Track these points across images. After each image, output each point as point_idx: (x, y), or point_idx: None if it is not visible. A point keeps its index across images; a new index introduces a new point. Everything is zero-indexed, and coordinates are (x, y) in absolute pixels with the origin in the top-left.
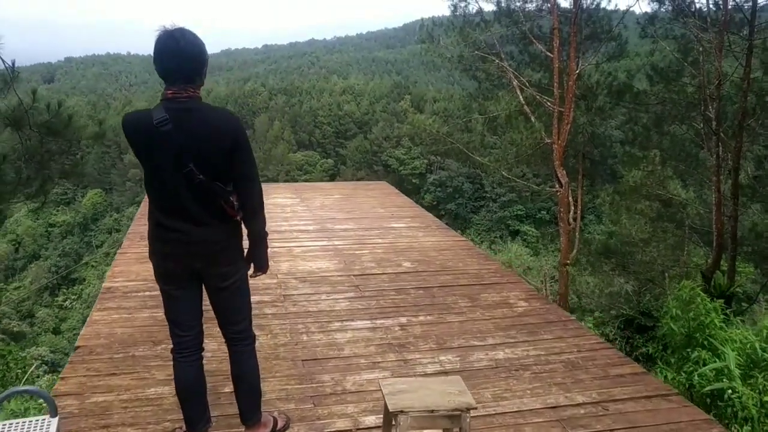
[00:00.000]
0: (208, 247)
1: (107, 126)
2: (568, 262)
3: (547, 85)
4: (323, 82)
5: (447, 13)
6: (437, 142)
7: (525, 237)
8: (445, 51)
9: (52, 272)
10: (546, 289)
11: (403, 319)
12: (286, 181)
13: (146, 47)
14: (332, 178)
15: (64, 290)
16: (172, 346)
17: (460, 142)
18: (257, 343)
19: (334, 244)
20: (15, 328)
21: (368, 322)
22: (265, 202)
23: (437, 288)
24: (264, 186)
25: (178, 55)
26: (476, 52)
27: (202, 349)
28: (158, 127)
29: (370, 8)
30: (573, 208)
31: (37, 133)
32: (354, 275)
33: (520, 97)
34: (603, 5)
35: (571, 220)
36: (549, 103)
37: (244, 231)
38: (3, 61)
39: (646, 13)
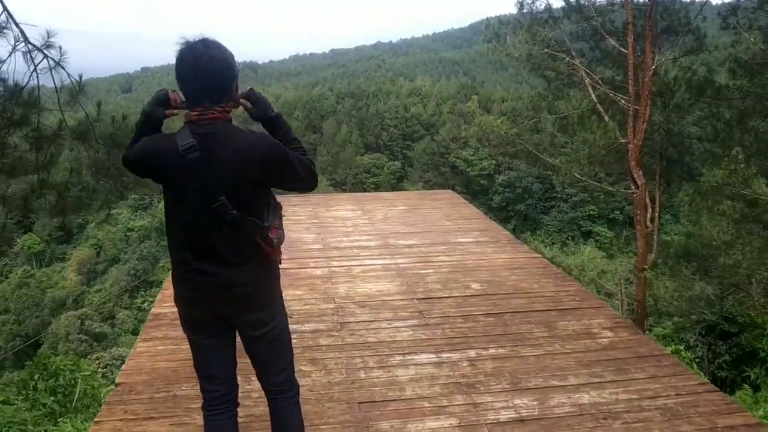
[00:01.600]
0: (240, 290)
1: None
2: (646, 267)
3: (621, 82)
4: (389, 84)
5: (514, 11)
6: (506, 144)
7: (597, 238)
8: (512, 50)
9: (131, 275)
10: (621, 293)
11: (472, 353)
12: (354, 184)
13: None
14: (399, 180)
15: (143, 292)
16: (202, 401)
17: (529, 143)
18: (309, 380)
19: (397, 263)
20: (97, 329)
21: (433, 355)
22: (326, 215)
23: (509, 314)
24: (325, 197)
25: (202, 71)
26: (545, 50)
27: (237, 404)
28: (184, 155)
29: (436, 9)
30: (650, 209)
31: (103, 145)
32: (417, 299)
33: (593, 95)
34: None
35: (648, 223)
36: (623, 101)
37: (283, 272)
38: (69, 75)
39: (726, 2)
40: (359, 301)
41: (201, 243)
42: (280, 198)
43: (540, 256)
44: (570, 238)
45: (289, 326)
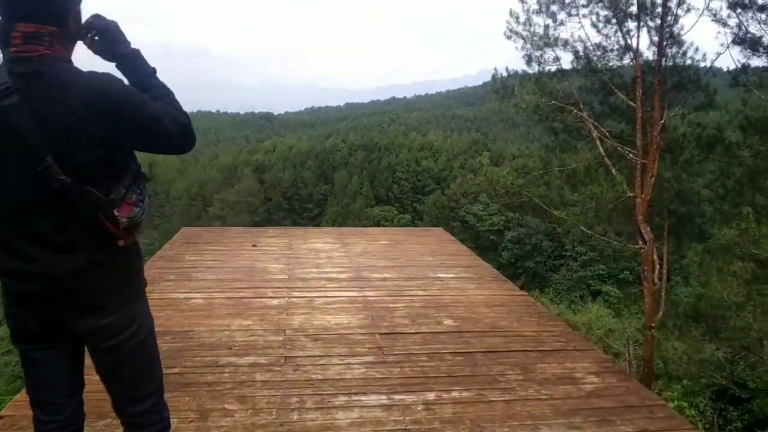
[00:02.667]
0: (66, 284)
1: (193, 177)
2: (653, 325)
3: (629, 136)
4: (402, 138)
5: (524, 66)
6: (512, 195)
7: (607, 298)
8: (520, 101)
9: None
10: (629, 354)
11: (431, 395)
12: None
13: (234, 106)
14: None
15: None
16: None
17: (536, 195)
18: (231, 421)
19: (365, 296)
20: None
21: (384, 397)
22: (302, 247)
23: (481, 354)
24: (305, 230)
25: None
26: (553, 101)
27: None
28: None
29: (449, 67)
30: (658, 267)
31: None
32: (380, 333)
33: (600, 148)
34: (690, 54)
35: (656, 280)
36: (631, 155)
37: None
38: None
39: (737, 61)
40: (313, 334)
41: (20, 219)
42: (259, 229)
43: (525, 294)
44: (579, 297)
45: (226, 358)
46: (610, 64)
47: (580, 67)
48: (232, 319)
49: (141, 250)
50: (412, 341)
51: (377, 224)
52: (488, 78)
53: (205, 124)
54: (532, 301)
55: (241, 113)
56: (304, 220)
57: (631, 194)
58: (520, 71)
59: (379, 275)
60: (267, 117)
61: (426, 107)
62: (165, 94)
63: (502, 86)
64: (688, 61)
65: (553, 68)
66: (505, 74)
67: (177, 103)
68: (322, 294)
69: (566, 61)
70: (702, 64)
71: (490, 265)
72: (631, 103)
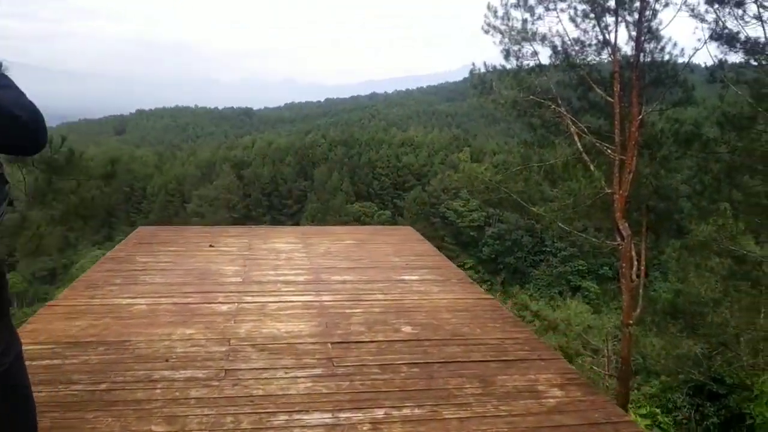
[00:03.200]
0: None
1: (120, 167)
2: (631, 322)
3: (608, 132)
4: (382, 133)
5: (502, 61)
6: (491, 191)
7: (586, 294)
8: (498, 97)
9: None
10: (608, 350)
11: (380, 413)
12: None
13: (214, 101)
14: None
15: None
16: None
17: (514, 191)
18: None
19: (322, 301)
20: None
21: (328, 415)
22: (262, 247)
23: (439, 365)
24: (268, 230)
25: None
26: (531, 96)
27: None
28: None
29: (430, 63)
30: (636, 263)
31: (38, 170)
32: (332, 343)
33: (578, 144)
34: (668, 49)
35: (634, 277)
36: (609, 151)
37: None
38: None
39: (715, 56)
40: (260, 343)
41: None
42: (219, 228)
43: (492, 297)
44: (559, 293)
45: (161, 371)
46: (589, 59)
47: (558, 62)
48: (175, 328)
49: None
50: (366, 351)
51: (357, 220)
52: (468, 73)
53: (184, 119)
54: (498, 305)
55: (220, 108)
56: (284, 217)
57: (609, 190)
58: (498, 66)
59: (339, 277)
60: (246, 112)
61: (407, 103)
62: (7, 85)
63: (480, 81)
64: (666, 57)
65: (532, 63)
66: (483, 70)
67: (24, 94)
68: (276, 299)
69: (545, 56)
70: (680, 60)
71: (472, 261)
72: (609, 99)
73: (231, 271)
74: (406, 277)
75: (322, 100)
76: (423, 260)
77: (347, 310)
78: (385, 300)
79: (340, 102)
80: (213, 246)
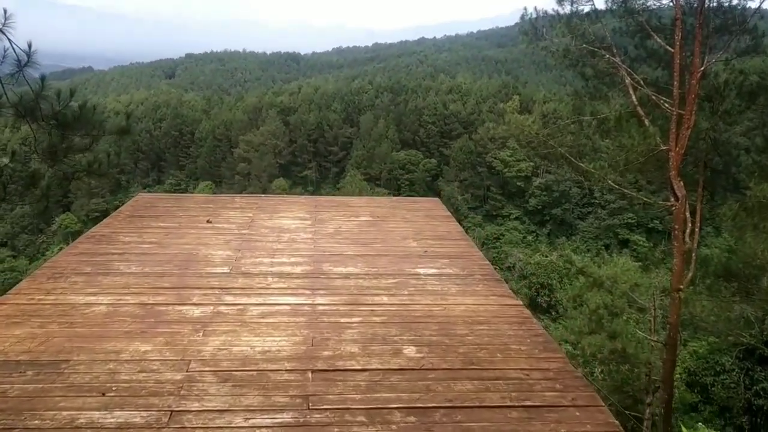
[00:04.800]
0: None
1: (132, 120)
2: (681, 287)
3: (666, 84)
4: (429, 80)
5: (555, 5)
6: (537, 145)
7: (635, 248)
8: (549, 43)
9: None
10: (654, 311)
11: None
12: (388, 180)
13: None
14: (434, 178)
15: None
16: None
17: (563, 145)
18: None
19: (315, 303)
20: None
21: None
22: (265, 224)
23: (443, 411)
24: (278, 200)
25: None
26: (584, 45)
27: None
28: None
29: (481, 7)
30: (690, 224)
31: (47, 125)
32: (313, 371)
33: (633, 96)
34: None
35: (687, 239)
36: (667, 105)
37: None
38: (13, 44)
39: None
40: (225, 369)
41: None
42: (225, 197)
43: (519, 303)
44: (605, 246)
45: (90, 413)
46: (649, 3)
47: (615, 7)
48: (129, 342)
49: None
50: (353, 385)
51: (403, 168)
52: (519, 18)
53: (232, 64)
54: (527, 315)
55: (268, 53)
56: (329, 163)
57: (665, 147)
58: (551, 11)
59: (343, 269)
60: (294, 57)
61: (455, 48)
62: None
63: (531, 28)
64: (734, 2)
65: (587, 8)
66: (534, 15)
67: None
68: (261, 300)
69: (601, 0)
70: (749, 5)
71: (517, 212)
72: (669, 48)
73: (220, 258)
74: (421, 271)
75: (370, 45)
76: (445, 246)
77: (342, 319)
78: (390, 304)
79: (388, 47)
80: (211, 222)
